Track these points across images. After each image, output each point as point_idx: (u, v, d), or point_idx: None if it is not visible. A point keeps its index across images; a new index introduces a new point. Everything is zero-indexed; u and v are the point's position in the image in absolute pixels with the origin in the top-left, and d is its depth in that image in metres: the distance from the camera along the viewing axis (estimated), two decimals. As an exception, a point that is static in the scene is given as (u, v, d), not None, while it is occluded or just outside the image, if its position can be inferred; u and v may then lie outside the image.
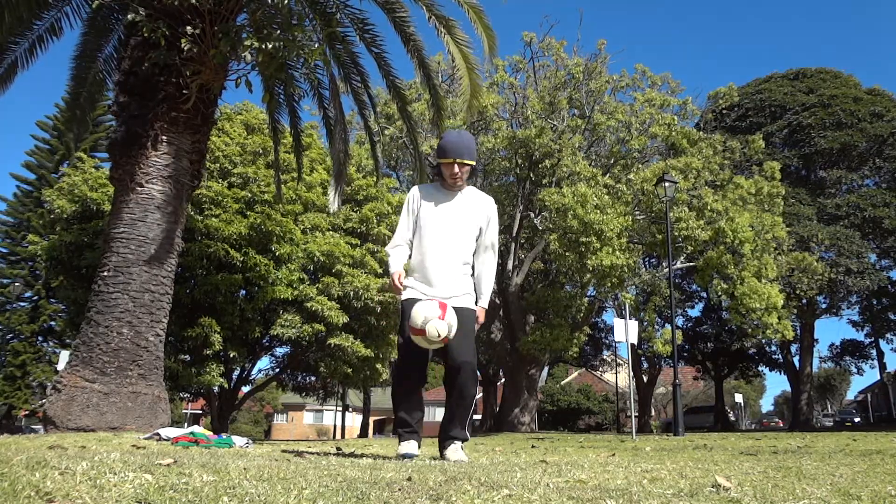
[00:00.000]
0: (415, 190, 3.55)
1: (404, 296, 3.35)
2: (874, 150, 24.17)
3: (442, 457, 3.34)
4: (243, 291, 13.04)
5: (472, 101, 7.99)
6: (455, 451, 3.32)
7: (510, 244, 20.34)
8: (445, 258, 3.31)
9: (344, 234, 13.87)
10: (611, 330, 22.10)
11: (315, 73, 8.47)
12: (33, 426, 26.28)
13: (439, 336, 3.04)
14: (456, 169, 3.32)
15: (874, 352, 29.17)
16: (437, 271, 3.30)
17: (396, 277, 3.34)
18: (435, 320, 3.02)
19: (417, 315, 3.04)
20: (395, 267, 3.39)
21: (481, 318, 3.41)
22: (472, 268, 3.48)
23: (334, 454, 3.77)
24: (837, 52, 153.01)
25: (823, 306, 25.22)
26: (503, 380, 24.24)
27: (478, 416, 41.83)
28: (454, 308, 3.19)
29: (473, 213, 3.40)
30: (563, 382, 45.49)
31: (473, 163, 3.37)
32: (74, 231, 12.68)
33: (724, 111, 24.84)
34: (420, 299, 3.26)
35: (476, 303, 3.42)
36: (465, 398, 3.31)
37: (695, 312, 29.63)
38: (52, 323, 25.30)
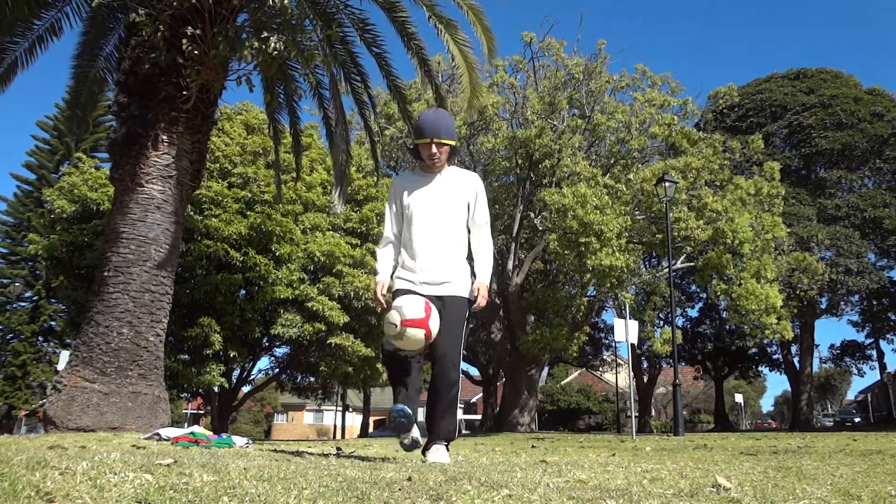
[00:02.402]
0: (395, 180, 3.38)
1: (395, 286, 3.22)
2: (874, 151, 24.16)
3: (424, 457, 3.14)
4: (243, 291, 13.06)
5: (472, 99, 8.00)
6: (436, 451, 3.09)
7: (510, 244, 20.33)
8: (434, 245, 3.16)
9: (344, 234, 13.89)
10: (611, 330, 22.10)
11: (315, 73, 8.48)
12: (33, 427, 26.27)
13: (418, 342, 2.96)
14: (434, 149, 3.13)
15: (874, 352, 29.19)
16: (427, 260, 3.14)
17: (379, 288, 3.19)
18: (413, 329, 2.91)
19: (418, 307, 2.92)
20: (381, 274, 3.27)
21: (483, 293, 3.22)
22: (469, 250, 3.32)
23: (334, 454, 3.76)
24: (837, 52, 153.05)
25: (823, 306, 25.22)
26: (503, 380, 24.22)
27: (478, 417, 41.88)
28: (442, 297, 3.10)
29: (458, 191, 3.23)
30: (563, 382, 45.49)
31: (453, 142, 3.19)
32: (74, 231, 12.69)
33: (725, 111, 24.82)
34: (409, 291, 3.13)
35: (471, 285, 3.26)
36: (443, 390, 3.09)
37: (694, 312, 29.66)
38: (52, 323, 25.28)
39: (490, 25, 7.68)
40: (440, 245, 3.17)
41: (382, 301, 3.20)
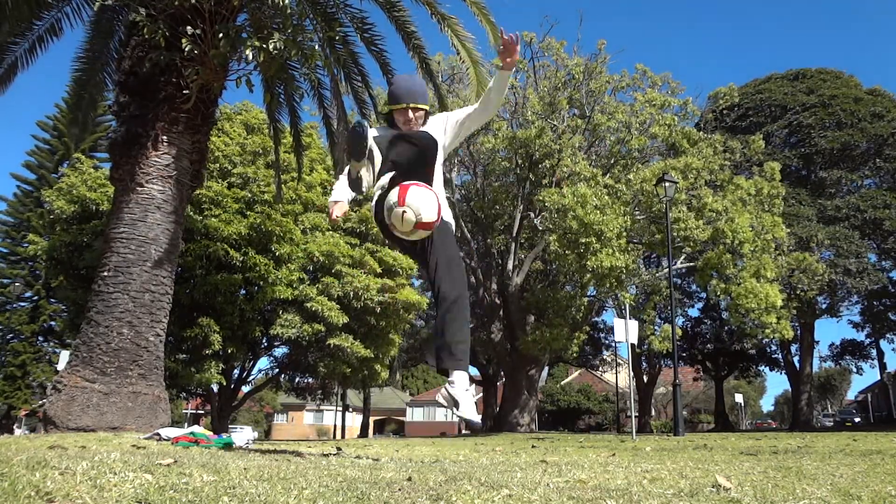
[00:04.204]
0: (371, 130, 3.10)
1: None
2: (874, 151, 24.15)
3: (451, 399, 2.86)
4: (243, 291, 13.06)
5: (479, 90, 8.08)
6: (461, 392, 2.85)
7: (510, 244, 20.34)
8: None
9: (343, 234, 13.89)
10: (611, 330, 22.09)
11: (315, 73, 8.48)
12: (33, 427, 26.28)
13: (419, 237, 2.85)
14: (410, 114, 3.05)
15: (874, 352, 29.19)
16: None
17: (337, 210, 3.04)
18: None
19: (429, 205, 2.75)
20: (340, 194, 3.07)
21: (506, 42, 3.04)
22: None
23: (334, 454, 3.76)
24: (838, 53, 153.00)
25: (823, 306, 25.22)
26: (503, 380, 24.23)
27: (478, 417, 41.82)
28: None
29: (438, 136, 3.12)
30: (563, 382, 45.49)
31: (427, 107, 3.10)
32: (74, 231, 12.70)
33: (725, 111, 24.82)
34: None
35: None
36: (457, 302, 2.92)
37: (694, 312, 29.66)
38: (52, 323, 25.28)
39: (493, 20, 7.77)
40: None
41: (338, 218, 3.07)
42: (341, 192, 3.09)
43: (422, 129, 3.13)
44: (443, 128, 3.19)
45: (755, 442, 7.02)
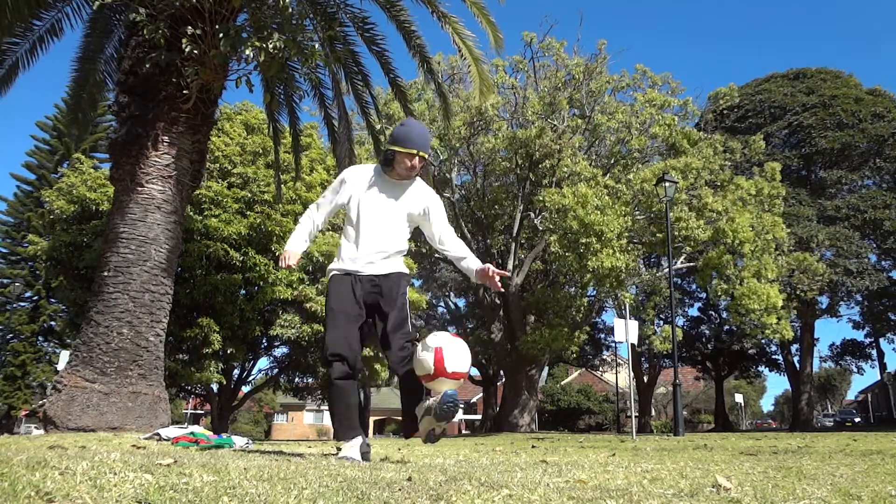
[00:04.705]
0: (351, 172, 3.30)
1: (333, 274, 3.22)
2: (874, 151, 24.15)
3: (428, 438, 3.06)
4: (243, 291, 13.06)
5: (482, 88, 8.08)
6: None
7: (510, 244, 20.34)
8: (382, 247, 3.18)
9: (344, 234, 13.89)
10: (611, 330, 22.08)
11: (316, 72, 8.49)
12: (33, 427, 26.26)
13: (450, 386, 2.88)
14: (416, 161, 3.14)
15: (874, 352, 29.19)
16: (373, 256, 3.18)
17: (289, 259, 3.22)
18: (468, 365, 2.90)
19: (464, 358, 2.86)
20: (295, 244, 3.28)
21: (497, 270, 3.17)
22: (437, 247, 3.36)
23: (334, 454, 3.76)
24: (838, 53, 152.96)
25: (824, 306, 25.21)
26: (503, 380, 24.23)
27: (478, 417, 41.86)
28: (388, 274, 3.14)
29: (416, 203, 3.26)
30: (563, 382, 45.44)
31: (428, 159, 3.26)
32: (74, 231, 12.70)
33: (725, 111, 24.83)
34: (347, 273, 3.13)
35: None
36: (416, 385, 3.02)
37: (694, 312, 29.65)
38: (52, 323, 25.28)
39: (494, 20, 7.79)
40: (388, 248, 3.20)
41: (290, 265, 3.25)
42: (295, 243, 3.30)
43: (411, 190, 3.24)
44: (423, 207, 3.26)
45: (755, 442, 7.02)
